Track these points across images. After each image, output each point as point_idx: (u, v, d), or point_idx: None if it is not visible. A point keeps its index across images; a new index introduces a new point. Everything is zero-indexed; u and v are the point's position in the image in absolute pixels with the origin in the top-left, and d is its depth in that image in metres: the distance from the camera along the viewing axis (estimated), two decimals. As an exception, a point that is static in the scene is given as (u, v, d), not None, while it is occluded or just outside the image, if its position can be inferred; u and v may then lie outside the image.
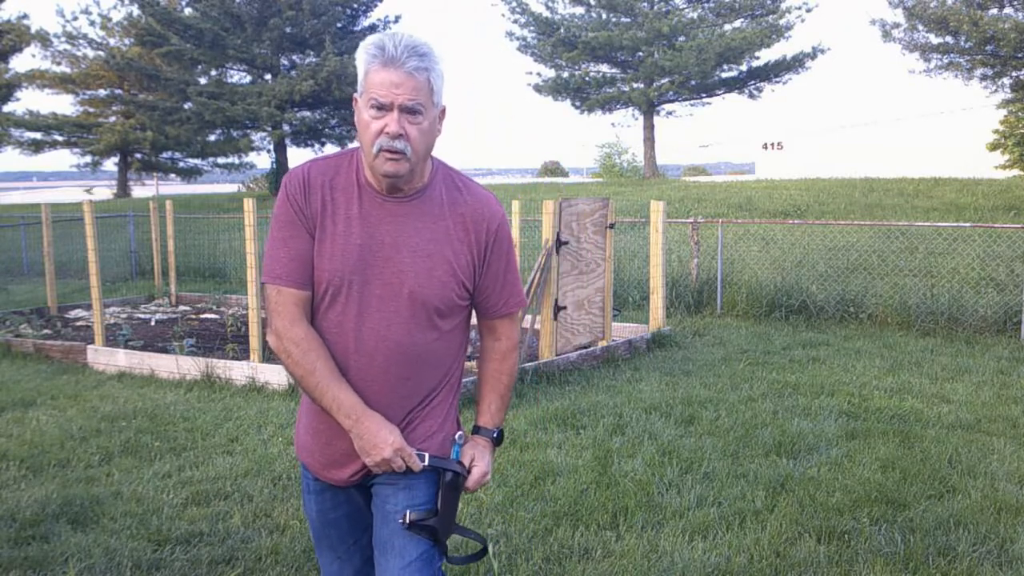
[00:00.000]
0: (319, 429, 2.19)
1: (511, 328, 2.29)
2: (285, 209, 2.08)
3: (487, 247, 2.16)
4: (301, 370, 2.08)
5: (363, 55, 2.00)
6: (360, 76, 2.02)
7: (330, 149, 33.94)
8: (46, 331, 9.40)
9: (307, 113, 31.49)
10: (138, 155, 40.52)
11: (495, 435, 2.26)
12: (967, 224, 11.17)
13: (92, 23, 42.44)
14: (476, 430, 2.26)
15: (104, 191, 44.05)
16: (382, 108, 1.98)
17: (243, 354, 7.64)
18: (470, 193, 2.17)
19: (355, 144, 2.17)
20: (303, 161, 2.18)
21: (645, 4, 32.39)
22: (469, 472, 2.17)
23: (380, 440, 2.06)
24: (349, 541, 2.31)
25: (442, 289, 2.11)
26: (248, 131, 32.34)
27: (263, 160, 47.49)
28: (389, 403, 2.14)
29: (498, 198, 2.27)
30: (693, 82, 31.93)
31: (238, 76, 32.75)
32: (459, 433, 2.22)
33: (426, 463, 2.12)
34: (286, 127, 31.31)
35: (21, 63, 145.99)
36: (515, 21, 33.82)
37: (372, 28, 32.59)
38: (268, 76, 31.08)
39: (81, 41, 37.35)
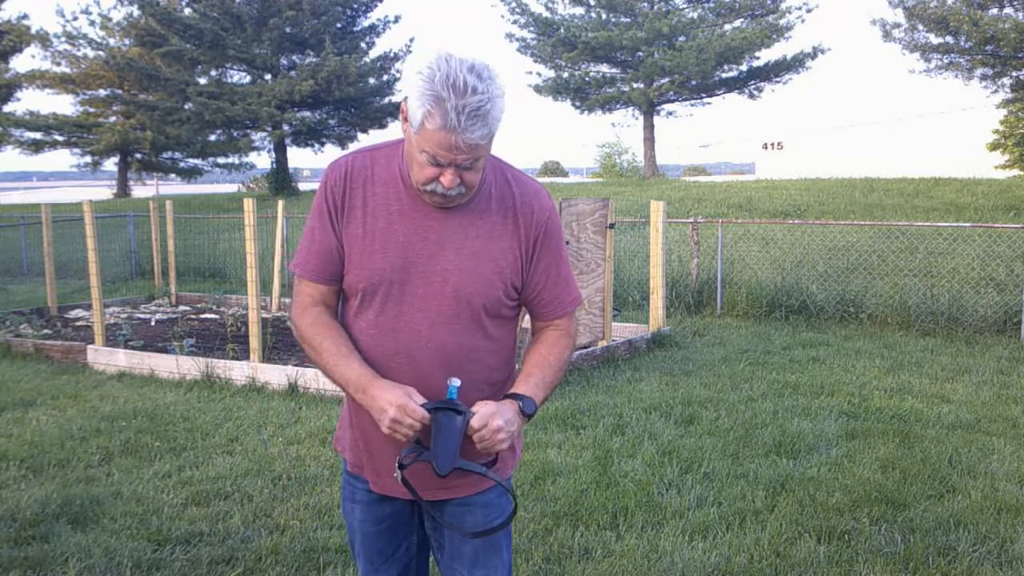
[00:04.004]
0: (362, 432, 2.10)
1: (568, 325, 2.14)
2: (320, 200, 2.02)
3: (536, 241, 2.04)
4: (313, 353, 2.02)
5: (420, 100, 1.81)
6: (414, 112, 1.83)
7: (330, 149, 33.97)
8: (46, 331, 9.39)
9: (307, 113, 31.46)
10: (138, 155, 40.50)
11: (523, 402, 1.98)
12: (967, 224, 11.17)
13: (92, 23, 42.52)
14: (506, 396, 2.02)
15: (104, 191, 44.02)
16: (438, 165, 1.87)
17: (243, 354, 7.64)
18: (519, 185, 2.05)
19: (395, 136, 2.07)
20: (349, 151, 2.10)
21: (645, 4, 32.37)
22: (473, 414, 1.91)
23: (384, 403, 1.89)
24: (388, 552, 2.24)
25: (488, 288, 1.99)
26: (248, 131, 32.31)
27: (263, 160, 47.54)
28: None
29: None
30: (693, 82, 31.90)
31: (238, 76, 32.72)
32: (453, 380, 1.97)
33: (426, 407, 1.91)
34: (286, 127, 31.30)
35: (21, 63, 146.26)
36: (514, 22, 33.77)
37: (372, 28, 32.50)
38: (268, 76, 31.05)
39: (81, 41, 37.32)
